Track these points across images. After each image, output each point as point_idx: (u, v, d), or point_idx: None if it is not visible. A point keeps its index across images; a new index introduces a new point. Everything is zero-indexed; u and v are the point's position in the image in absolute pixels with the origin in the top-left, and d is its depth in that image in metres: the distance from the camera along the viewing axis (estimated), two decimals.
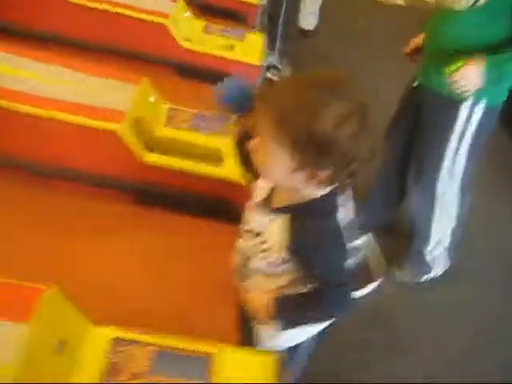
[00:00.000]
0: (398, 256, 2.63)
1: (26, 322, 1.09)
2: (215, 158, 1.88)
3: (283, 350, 1.36)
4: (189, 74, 2.47)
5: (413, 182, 2.42)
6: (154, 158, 1.81)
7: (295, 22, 4.41)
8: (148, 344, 1.25)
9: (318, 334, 1.53)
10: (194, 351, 1.25)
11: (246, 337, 1.47)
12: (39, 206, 1.71)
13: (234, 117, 1.49)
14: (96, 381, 1.16)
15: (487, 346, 2.49)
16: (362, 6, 4.78)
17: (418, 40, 2.34)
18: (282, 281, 1.36)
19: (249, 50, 2.58)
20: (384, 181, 2.51)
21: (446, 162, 2.27)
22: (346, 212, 1.33)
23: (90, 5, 2.42)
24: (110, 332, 1.26)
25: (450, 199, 2.40)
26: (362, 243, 2.51)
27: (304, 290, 1.34)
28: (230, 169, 1.79)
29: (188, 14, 2.69)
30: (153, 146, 1.87)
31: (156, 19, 2.43)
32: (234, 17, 2.99)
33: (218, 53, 2.49)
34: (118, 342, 1.25)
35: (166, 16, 2.46)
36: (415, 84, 2.28)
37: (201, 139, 1.93)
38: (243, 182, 1.57)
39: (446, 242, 2.53)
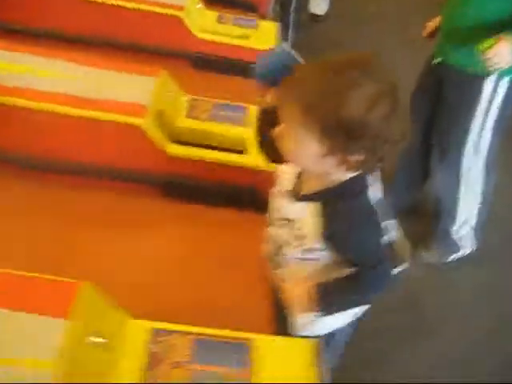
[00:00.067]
0: (424, 237, 2.62)
1: (64, 317, 1.09)
2: (239, 146, 1.88)
3: (320, 338, 1.35)
4: (204, 65, 2.47)
5: (437, 160, 2.42)
6: (178, 150, 1.81)
7: (306, 8, 4.40)
8: (187, 333, 1.25)
9: (355, 320, 1.52)
10: (233, 338, 1.25)
11: (280, 326, 1.46)
12: (67, 204, 1.71)
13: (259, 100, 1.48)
14: (138, 372, 1.16)
15: None
16: None
17: (433, 24, 2.37)
18: (317, 267, 1.35)
19: (264, 38, 2.57)
20: (407, 162, 2.51)
21: (472, 137, 2.27)
22: (374, 192, 1.32)
23: (103, 0, 2.43)
24: (148, 323, 1.27)
25: (476, 176, 2.39)
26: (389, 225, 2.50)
27: (340, 274, 1.33)
28: (254, 157, 1.78)
29: (200, 5, 2.69)
30: (175, 137, 1.87)
31: (171, 12, 2.42)
32: (246, 6, 2.99)
33: (233, 42, 2.49)
34: (157, 332, 1.25)
35: (180, 8, 2.46)
36: (436, 61, 2.27)
37: (223, 128, 1.92)
38: (269, 169, 1.57)
39: (473, 221, 2.52)
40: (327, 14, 4.76)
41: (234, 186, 1.81)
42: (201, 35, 2.49)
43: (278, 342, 1.28)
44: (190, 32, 2.46)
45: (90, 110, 1.75)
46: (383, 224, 1.32)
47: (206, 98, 2.06)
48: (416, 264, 2.58)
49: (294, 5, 3.71)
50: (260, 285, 1.54)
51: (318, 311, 1.34)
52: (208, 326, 1.29)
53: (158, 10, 2.43)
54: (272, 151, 1.37)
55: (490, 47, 2.01)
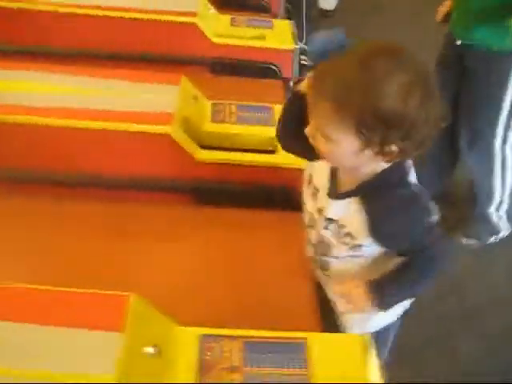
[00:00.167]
0: (460, 222, 2.59)
1: (118, 330, 1.09)
2: (268, 146, 1.87)
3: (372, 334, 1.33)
4: (222, 69, 2.46)
5: (467, 143, 2.39)
6: (207, 155, 1.80)
7: (315, 4, 4.39)
8: (236, 337, 1.24)
9: (403, 313, 1.50)
10: (284, 338, 1.24)
11: (328, 325, 1.44)
12: (99, 217, 1.71)
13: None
14: (192, 380, 1.15)
15: None
16: None
17: (444, 8, 2.36)
18: (366, 263, 1.34)
19: (280, 36, 2.56)
20: (436, 147, 2.48)
21: (504, 115, 2.23)
22: (412, 177, 1.31)
23: (115, 15, 2.43)
24: (195, 330, 1.25)
25: (509, 155, 2.36)
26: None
27: (390, 266, 1.31)
28: (285, 156, 1.77)
29: (212, 9, 2.68)
30: (202, 143, 1.86)
31: (185, 19, 2.42)
32: (257, 7, 2.98)
33: (250, 43, 2.47)
34: (205, 338, 1.24)
35: (193, 15, 2.46)
36: (459, 42, 2.24)
37: (251, 130, 1.91)
38: (300, 167, 1.55)
39: (508, 201, 2.49)
40: (336, 9, 4.74)
41: (266, 186, 1.80)
42: (216, 40, 2.48)
43: (332, 339, 1.26)
44: (206, 37, 2.45)
45: (117, 123, 1.75)
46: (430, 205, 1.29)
47: (228, 102, 2.05)
48: (456, 249, 2.56)
49: (305, 2, 3.69)
50: (303, 283, 1.52)
51: (377, 308, 1.31)
52: (255, 328, 1.28)
53: (171, 18, 2.43)
54: (300, 146, 1.36)
55: None
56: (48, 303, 1.15)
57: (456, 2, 2.28)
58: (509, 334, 2.32)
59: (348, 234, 1.30)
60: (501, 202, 2.49)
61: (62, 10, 2.40)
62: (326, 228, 1.34)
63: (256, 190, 1.81)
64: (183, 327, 1.25)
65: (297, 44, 2.55)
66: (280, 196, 1.80)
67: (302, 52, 3.63)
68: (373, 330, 1.41)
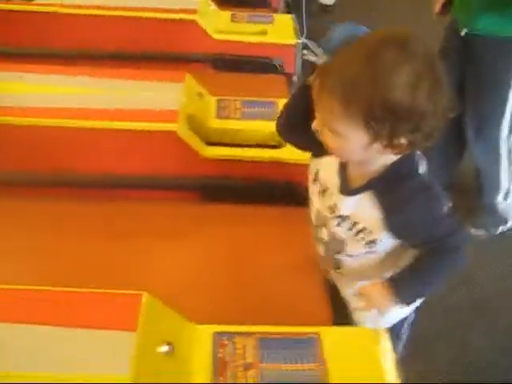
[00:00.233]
0: (468, 213, 2.57)
1: (133, 330, 1.08)
2: (273, 142, 1.86)
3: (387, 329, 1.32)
4: (225, 65, 2.45)
5: (473, 132, 2.37)
6: (213, 152, 1.80)
7: None
8: (249, 333, 1.23)
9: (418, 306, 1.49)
10: (298, 333, 1.23)
11: (341, 322, 1.43)
12: (108, 216, 1.70)
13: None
14: (208, 378, 1.14)
15: None
16: None
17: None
18: (381, 258, 1.32)
19: (281, 31, 2.55)
20: (442, 140, 2.46)
21: (511, 101, 2.22)
22: (423, 167, 1.30)
23: (116, 14, 2.43)
24: (209, 327, 1.25)
25: None
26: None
27: (407, 260, 1.30)
28: (291, 151, 1.76)
29: (212, 6, 2.67)
30: (208, 139, 1.86)
31: (186, 16, 2.41)
32: (257, 2, 2.97)
33: (252, 39, 2.46)
34: (219, 335, 1.23)
35: (194, 12, 2.45)
36: (463, 32, 2.23)
37: (256, 125, 1.90)
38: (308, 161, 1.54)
39: None
40: (336, 4, 4.73)
41: (273, 182, 1.79)
42: (217, 36, 2.47)
43: (345, 333, 1.25)
44: (207, 34, 2.44)
45: (122, 122, 1.74)
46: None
47: (232, 98, 2.04)
48: None
49: None
50: (312, 278, 1.52)
51: (401, 303, 1.30)
52: (266, 324, 1.27)
53: (172, 16, 2.42)
54: (299, 134, 1.34)
55: None
56: (60, 304, 1.14)
57: None
58: None
59: (363, 230, 1.29)
60: (508, 192, 2.48)
61: (62, 10, 2.40)
62: (338, 225, 1.33)
63: (262, 186, 1.80)
64: (196, 325, 1.25)
65: (299, 38, 2.54)
66: (286, 191, 1.79)
67: (304, 47, 3.63)
68: (387, 325, 1.39)
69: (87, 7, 2.40)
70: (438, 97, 1.15)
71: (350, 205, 1.29)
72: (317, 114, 1.22)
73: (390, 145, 1.17)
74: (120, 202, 1.73)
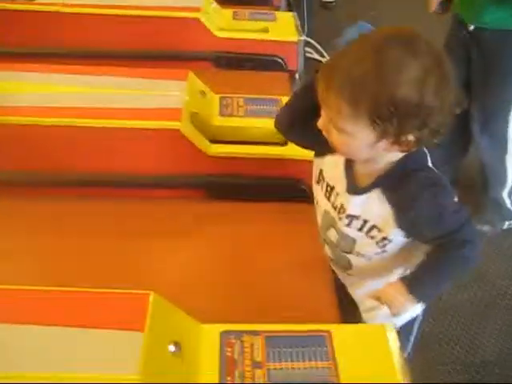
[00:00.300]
0: (474, 209, 2.56)
1: (141, 330, 1.07)
2: (277, 139, 1.85)
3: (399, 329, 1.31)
4: (227, 63, 2.44)
5: (480, 126, 2.36)
6: (218, 149, 1.79)
7: None
8: (257, 332, 1.22)
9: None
10: (305, 332, 1.21)
11: (350, 320, 1.42)
12: (114, 216, 1.70)
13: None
14: (217, 376, 1.13)
15: None
16: None
17: None
18: (391, 257, 1.31)
19: (283, 29, 2.54)
20: (445, 135, 2.45)
21: None
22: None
23: (118, 12, 2.41)
24: (216, 326, 1.23)
25: None
26: None
27: (417, 258, 1.28)
28: (296, 148, 1.74)
29: (215, 4, 2.66)
30: (212, 137, 1.85)
31: (189, 14, 2.40)
32: (259, 1, 2.96)
33: (254, 37, 2.45)
34: (226, 334, 1.22)
35: (197, 10, 2.44)
36: (471, 28, 2.21)
37: (259, 123, 1.89)
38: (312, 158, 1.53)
39: None
40: (337, 1, 4.73)
41: (279, 178, 1.78)
42: (220, 34, 2.45)
43: (354, 330, 1.24)
44: (209, 32, 2.43)
45: (126, 120, 1.73)
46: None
47: (235, 95, 2.03)
48: None
49: None
50: (320, 275, 1.51)
51: (418, 302, 1.28)
52: (273, 322, 1.26)
53: (175, 14, 2.41)
54: (301, 131, 1.34)
55: None
56: (67, 304, 1.13)
57: None
58: None
59: (373, 228, 1.28)
60: None
61: (63, 10, 2.39)
62: (348, 225, 1.31)
63: (267, 183, 1.79)
64: (204, 324, 1.24)
65: (301, 36, 2.52)
66: (293, 187, 1.78)
67: (306, 44, 3.62)
68: (397, 325, 1.38)
69: (89, 6, 2.39)
70: (445, 92, 1.14)
71: (358, 204, 1.28)
72: (322, 113, 1.21)
73: (398, 142, 1.16)
74: (124, 201, 1.72)
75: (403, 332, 1.38)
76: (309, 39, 3.63)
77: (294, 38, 2.46)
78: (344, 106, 1.13)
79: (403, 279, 1.27)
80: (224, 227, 1.69)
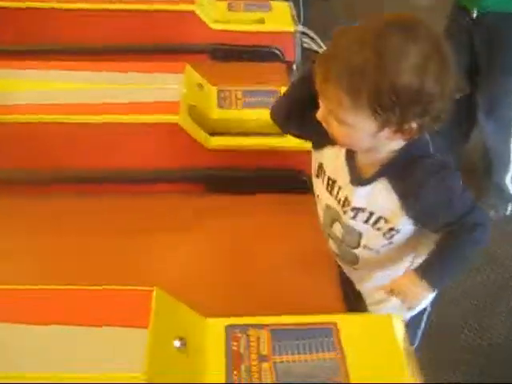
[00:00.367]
0: (477, 193, 2.54)
1: (146, 326, 1.06)
2: (276, 131, 1.83)
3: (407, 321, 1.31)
4: (224, 55, 2.42)
5: (485, 111, 2.35)
6: (217, 142, 1.78)
7: None
8: (263, 325, 1.20)
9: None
10: (311, 323, 1.20)
11: (352, 308, 1.41)
12: (114, 212, 1.68)
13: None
14: (223, 371, 1.12)
15: None
16: None
17: None
18: (399, 248, 1.29)
19: (279, 19, 2.52)
20: (446, 121, 2.44)
21: None
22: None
23: (112, 7, 2.40)
24: (221, 320, 1.22)
25: None
26: None
27: (429, 244, 1.27)
28: (295, 139, 1.74)
29: None
30: (211, 130, 1.83)
31: (184, 7, 2.38)
32: None
33: (250, 28, 2.44)
34: (231, 328, 1.20)
35: (191, 2, 2.42)
36: (475, 15, 2.20)
37: (258, 114, 1.87)
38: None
39: None
40: None
41: (280, 170, 1.77)
42: (215, 26, 2.44)
43: (361, 321, 1.22)
44: (205, 24, 2.41)
45: (123, 115, 1.72)
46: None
47: (233, 87, 2.02)
48: None
49: None
50: (325, 269, 1.49)
51: (433, 289, 1.26)
52: (278, 314, 1.24)
53: (170, 7, 2.39)
54: (299, 123, 1.32)
55: None
56: (69, 303, 1.12)
57: None
58: None
59: (380, 219, 1.26)
60: None
61: (58, 6, 2.37)
62: (354, 218, 1.29)
63: (268, 175, 1.78)
64: (208, 318, 1.22)
65: (297, 26, 2.51)
66: (293, 179, 1.77)
67: (303, 34, 3.60)
68: (407, 316, 1.38)
69: (83, 1, 2.37)
70: (446, 78, 1.13)
71: (363, 195, 1.26)
72: (321, 105, 1.19)
73: (400, 130, 1.15)
74: (123, 197, 1.71)
75: (411, 325, 1.37)
76: (305, 29, 3.60)
77: (291, 28, 2.45)
78: (344, 97, 1.11)
79: (415, 269, 1.25)
80: (225, 221, 1.67)
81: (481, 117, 2.39)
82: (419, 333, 1.52)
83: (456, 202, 1.22)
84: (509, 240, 2.51)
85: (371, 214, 1.26)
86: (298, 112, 1.30)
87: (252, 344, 1.17)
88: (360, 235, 1.31)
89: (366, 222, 1.28)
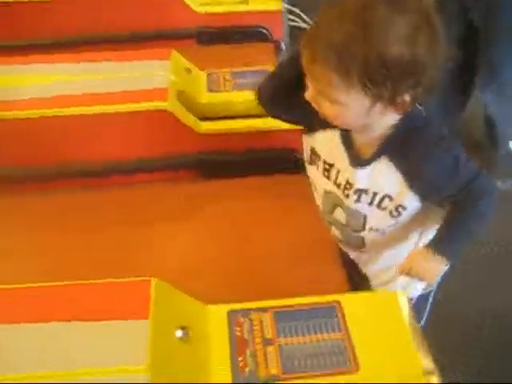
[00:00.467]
0: (481, 164, 2.50)
1: (146, 317, 1.04)
2: None
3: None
4: (211, 38, 2.39)
5: (486, 76, 2.31)
6: (208, 126, 1.75)
7: None
8: (265, 308, 1.19)
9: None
10: (314, 304, 1.18)
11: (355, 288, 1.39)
12: (108, 203, 1.66)
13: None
14: (227, 357, 1.10)
15: None
16: None
17: None
18: (409, 223, 1.27)
19: None
20: (440, 92, 2.41)
21: None
22: None
23: None
24: (222, 307, 1.20)
25: None
26: None
27: (435, 219, 1.25)
28: None
29: None
30: (202, 114, 1.81)
31: None
32: None
33: (235, 9, 2.39)
34: (233, 313, 1.18)
35: None
36: None
37: (249, 96, 1.82)
38: None
39: None
40: None
41: (273, 150, 1.75)
42: (200, 9, 2.40)
43: (364, 299, 1.20)
44: (189, 8, 2.37)
45: (111, 105, 1.70)
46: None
47: (221, 70, 1.99)
48: None
49: None
50: (325, 246, 1.47)
51: (448, 262, 1.23)
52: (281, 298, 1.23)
53: None
54: (286, 106, 1.29)
55: None
56: (66, 299, 1.10)
57: None
58: None
59: (384, 198, 1.23)
60: None
61: None
62: (357, 201, 1.26)
63: (261, 156, 1.76)
64: (210, 305, 1.20)
65: (283, 3, 2.47)
66: (287, 159, 1.75)
67: (289, 12, 3.56)
68: (414, 294, 1.37)
69: None
70: (437, 48, 1.10)
71: (365, 176, 1.23)
72: (309, 86, 1.16)
73: (393, 104, 1.12)
74: (116, 189, 1.69)
75: (416, 308, 1.35)
76: (291, 7, 3.56)
77: (277, 6, 2.41)
78: (334, 77, 1.08)
79: (426, 245, 1.23)
80: (220, 206, 1.65)
81: (481, 83, 2.35)
82: (425, 314, 1.50)
83: (461, 170, 1.20)
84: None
85: (375, 194, 1.24)
86: (286, 94, 1.27)
87: (255, 328, 1.15)
88: (365, 218, 1.28)
89: (371, 203, 1.25)
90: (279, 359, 1.07)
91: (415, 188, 1.20)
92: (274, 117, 1.43)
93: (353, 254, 1.42)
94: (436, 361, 1.04)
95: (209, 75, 1.95)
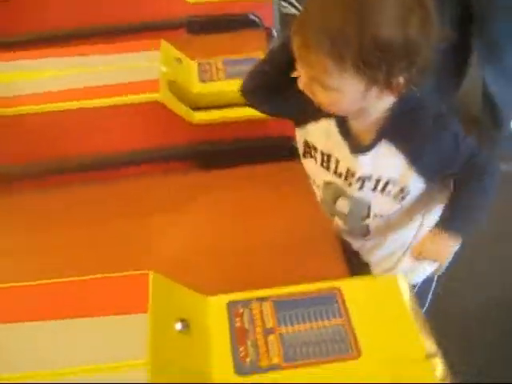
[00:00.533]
0: (482, 144, 2.49)
1: (141, 311, 1.03)
2: None
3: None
4: (201, 27, 2.37)
5: (485, 55, 2.29)
6: (202, 116, 1.74)
7: None
8: (265, 298, 1.18)
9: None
10: (314, 291, 1.18)
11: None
12: (105, 197, 1.65)
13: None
14: (228, 348, 1.09)
15: None
16: None
17: None
18: (413, 206, 1.26)
19: None
20: (434, 73, 2.39)
21: None
22: None
23: None
24: (222, 297, 1.19)
25: None
26: None
27: (440, 199, 1.25)
28: None
29: None
30: (194, 104, 1.79)
31: None
32: None
33: None
34: (233, 304, 1.18)
35: None
36: None
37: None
38: None
39: None
40: None
41: (269, 139, 1.74)
42: None
43: (365, 284, 1.20)
44: None
45: (102, 99, 1.68)
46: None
47: (213, 59, 1.97)
48: None
49: None
50: (324, 232, 1.46)
51: (458, 239, 1.23)
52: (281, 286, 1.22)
53: None
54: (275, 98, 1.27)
55: None
56: (63, 296, 1.09)
57: None
58: None
59: (387, 183, 1.23)
60: None
61: None
62: (361, 189, 1.25)
63: (257, 144, 1.75)
64: (209, 297, 1.20)
65: None
66: (282, 146, 1.73)
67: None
68: (417, 280, 1.37)
69: None
70: (430, 29, 1.09)
71: (367, 163, 1.22)
72: (302, 73, 1.14)
73: (389, 87, 1.11)
74: (111, 183, 1.67)
75: (419, 291, 1.35)
76: None
77: None
78: (328, 62, 1.07)
79: (438, 224, 1.23)
80: (216, 197, 1.64)
81: (481, 63, 2.32)
82: (428, 301, 1.49)
83: (461, 146, 1.20)
84: None
85: (378, 180, 1.23)
86: (277, 84, 1.25)
87: (256, 318, 1.14)
88: (368, 205, 1.27)
89: (374, 189, 1.24)
90: (280, 348, 1.07)
91: (418, 168, 1.20)
92: (264, 112, 1.41)
93: (357, 244, 1.41)
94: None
95: (200, 64, 1.93)
